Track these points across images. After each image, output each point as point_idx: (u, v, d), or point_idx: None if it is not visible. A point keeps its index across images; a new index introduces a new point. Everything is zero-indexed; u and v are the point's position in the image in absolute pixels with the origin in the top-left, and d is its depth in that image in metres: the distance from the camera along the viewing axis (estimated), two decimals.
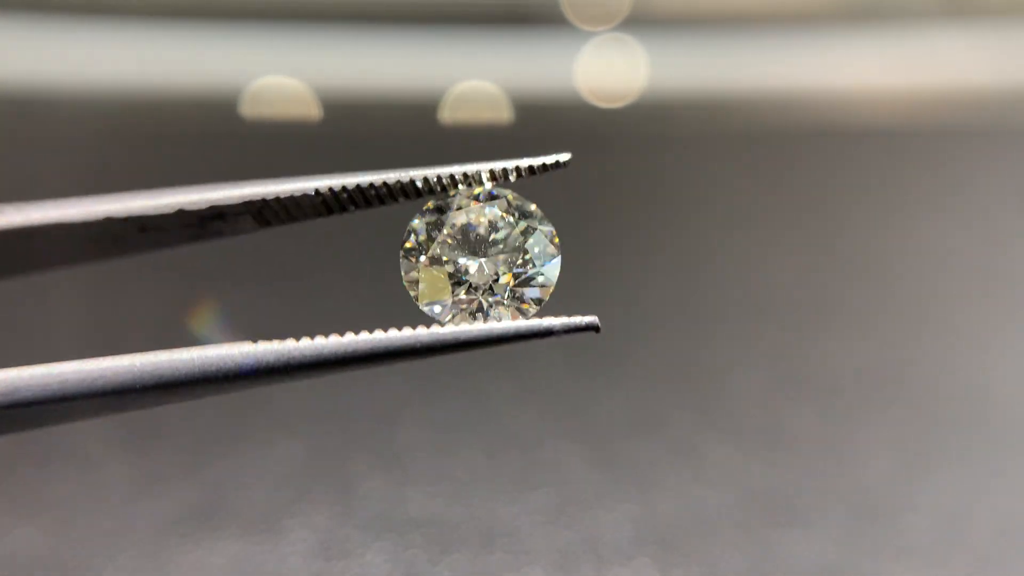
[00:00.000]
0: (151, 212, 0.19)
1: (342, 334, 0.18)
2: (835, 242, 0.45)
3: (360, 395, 0.34)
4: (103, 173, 0.49)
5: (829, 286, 0.42)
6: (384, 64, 0.57)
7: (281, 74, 0.56)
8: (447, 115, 0.55)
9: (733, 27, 0.60)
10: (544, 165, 0.19)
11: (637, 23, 0.59)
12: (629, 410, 0.34)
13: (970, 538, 0.30)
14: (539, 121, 0.55)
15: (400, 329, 0.18)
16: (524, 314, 0.19)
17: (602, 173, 0.51)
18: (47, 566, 0.28)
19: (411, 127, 0.53)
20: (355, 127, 0.54)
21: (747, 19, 0.60)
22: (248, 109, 0.55)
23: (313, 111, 0.55)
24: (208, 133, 0.53)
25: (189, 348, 0.18)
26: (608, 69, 0.59)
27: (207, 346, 0.18)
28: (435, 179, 0.19)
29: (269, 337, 0.18)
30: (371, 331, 0.18)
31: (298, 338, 0.18)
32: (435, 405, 0.34)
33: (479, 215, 0.19)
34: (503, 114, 0.55)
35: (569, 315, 0.18)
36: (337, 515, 0.29)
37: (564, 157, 0.19)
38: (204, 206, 0.19)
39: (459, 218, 0.19)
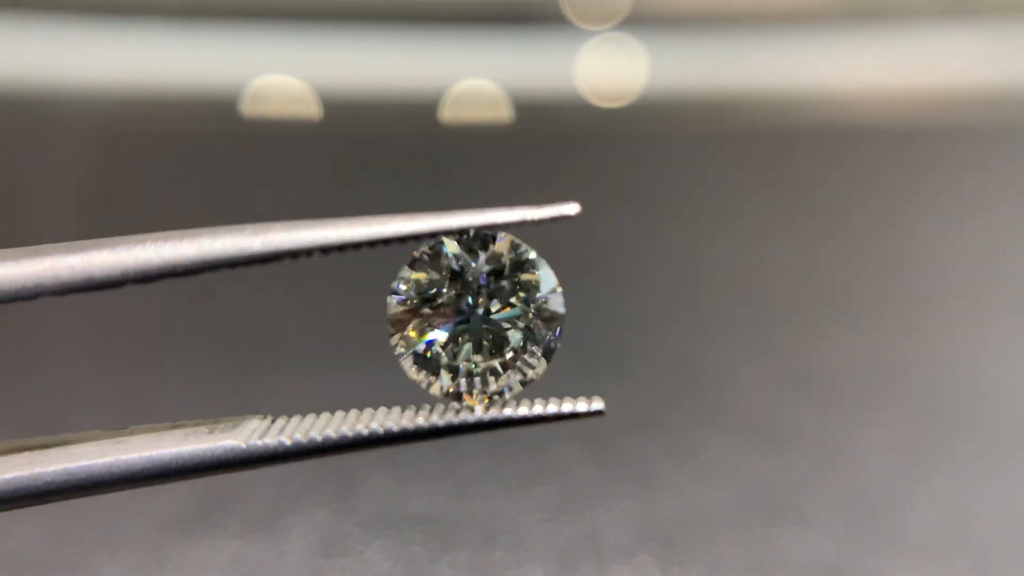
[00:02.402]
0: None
1: (335, 428, 0.17)
2: (835, 241, 0.45)
3: (360, 392, 0.34)
4: (103, 173, 0.49)
5: (830, 285, 0.42)
6: (384, 63, 0.57)
7: (281, 73, 0.56)
8: (447, 114, 0.55)
9: (733, 26, 0.60)
10: (550, 218, 0.17)
11: (637, 22, 0.59)
12: (629, 408, 0.34)
13: (971, 536, 0.30)
14: (539, 120, 0.55)
15: (401, 414, 0.17)
16: (520, 384, 0.18)
17: (602, 172, 0.51)
18: (47, 565, 0.28)
19: (411, 126, 0.54)
20: (355, 126, 0.54)
21: (747, 18, 0.60)
22: (248, 108, 0.55)
23: (313, 110, 0.55)
24: (208, 132, 0.53)
25: (175, 443, 0.18)
26: (608, 68, 0.59)
27: (193, 443, 0.18)
28: (424, 234, 0.17)
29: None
30: (372, 416, 0.17)
31: (284, 429, 0.18)
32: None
33: (473, 269, 0.17)
34: (503, 113, 0.55)
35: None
36: (337, 512, 0.29)
37: (571, 209, 0.18)
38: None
39: (450, 272, 0.17)
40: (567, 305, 0.18)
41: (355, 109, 0.55)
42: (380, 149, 0.52)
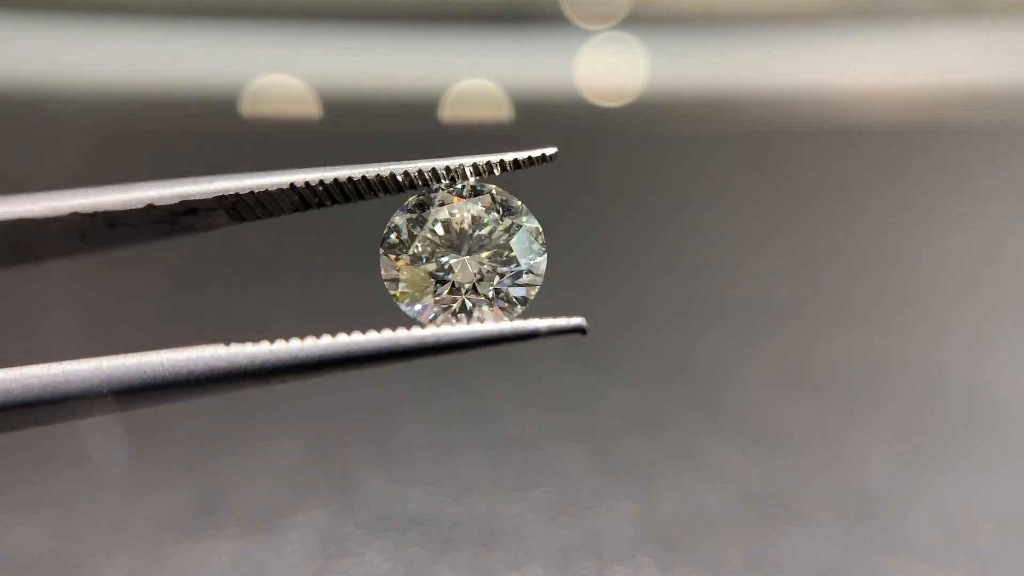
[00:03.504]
0: (119, 207, 0.18)
1: (319, 336, 0.17)
2: (835, 240, 0.45)
3: (360, 393, 0.34)
4: (103, 172, 0.49)
5: (829, 285, 0.42)
6: (384, 63, 0.57)
7: (281, 73, 0.56)
8: (447, 113, 0.55)
9: (732, 26, 0.60)
10: (529, 159, 0.19)
11: (637, 22, 0.59)
12: (629, 409, 0.34)
13: (969, 536, 0.30)
14: (539, 119, 0.55)
15: (379, 331, 0.17)
16: (509, 314, 0.19)
17: (602, 171, 0.51)
18: (47, 564, 0.28)
19: (411, 125, 0.53)
20: (355, 125, 0.54)
21: (746, 18, 0.60)
22: (248, 108, 0.55)
23: (313, 110, 0.55)
24: (208, 132, 0.53)
25: (159, 352, 0.17)
26: (608, 68, 0.59)
27: (178, 350, 0.17)
28: (416, 173, 0.18)
29: (244, 336, 0.17)
30: (349, 333, 0.17)
31: (272, 340, 0.17)
32: (435, 403, 0.34)
33: (462, 211, 0.18)
34: (503, 112, 0.55)
35: (562, 315, 0.18)
36: (337, 513, 0.29)
37: (550, 151, 0.19)
38: (175, 201, 0.18)
39: (441, 214, 0.18)
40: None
41: (355, 109, 0.55)
42: (380, 149, 0.52)
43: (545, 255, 0.19)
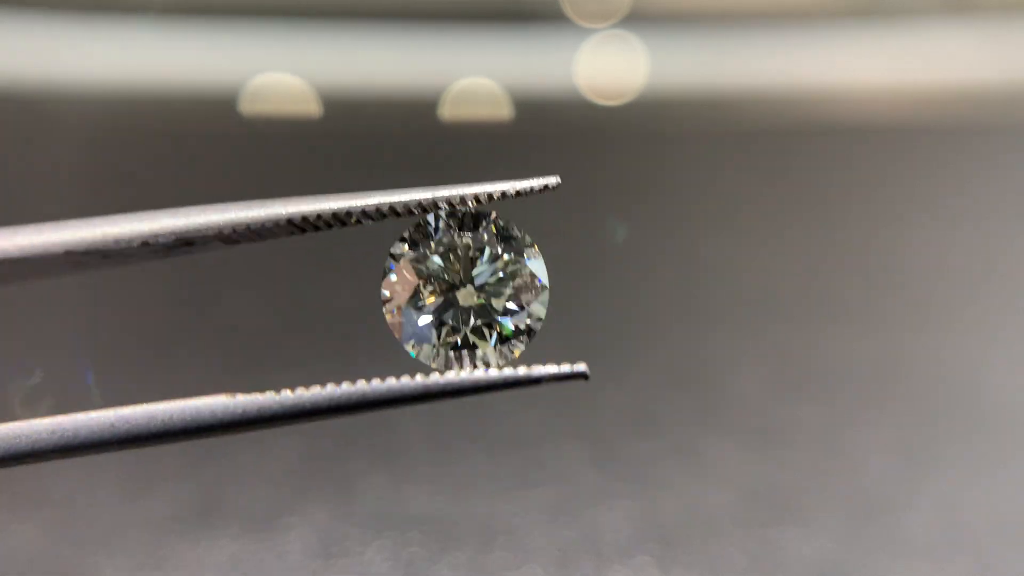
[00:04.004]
0: (113, 245, 0.19)
1: (323, 384, 0.17)
2: (835, 240, 0.45)
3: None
4: (103, 171, 0.49)
5: (829, 284, 0.42)
6: (384, 61, 0.57)
7: (281, 71, 0.56)
8: (447, 112, 0.55)
9: (733, 24, 0.60)
10: (531, 189, 0.18)
11: (637, 20, 0.59)
12: (629, 408, 0.34)
13: (970, 536, 0.30)
14: (539, 118, 0.55)
15: (383, 379, 0.17)
16: (509, 353, 0.18)
17: (602, 170, 0.51)
18: (46, 564, 0.28)
19: (411, 124, 0.53)
20: (355, 124, 0.54)
21: (747, 16, 0.60)
22: (247, 106, 0.55)
23: (313, 108, 0.55)
24: (207, 131, 0.53)
25: (167, 403, 0.18)
26: (608, 66, 0.59)
27: (186, 401, 0.17)
28: (416, 205, 0.18)
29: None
30: (353, 381, 0.17)
31: (278, 390, 0.17)
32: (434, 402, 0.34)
33: (461, 244, 0.18)
34: (503, 111, 0.55)
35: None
36: (336, 513, 0.29)
37: (553, 181, 0.18)
38: (170, 238, 0.18)
39: (440, 248, 0.18)
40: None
41: (355, 107, 0.55)
42: (380, 147, 0.52)
43: (546, 293, 0.18)
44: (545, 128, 0.54)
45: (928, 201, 0.48)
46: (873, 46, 0.60)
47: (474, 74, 0.56)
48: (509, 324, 0.18)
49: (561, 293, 0.19)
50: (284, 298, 0.39)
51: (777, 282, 0.42)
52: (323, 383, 0.17)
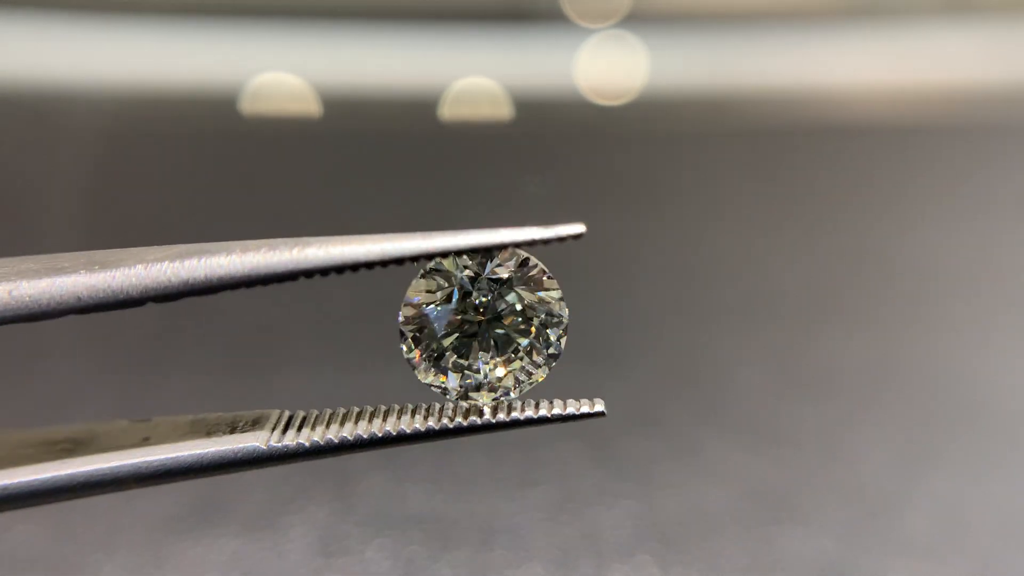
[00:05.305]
0: (116, 303, 0.19)
1: (355, 421, 0.18)
2: (835, 239, 0.45)
3: (359, 391, 0.34)
4: (103, 170, 0.49)
5: (829, 283, 0.42)
6: (384, 61, 0.57)
7: (281, 71, 0.56)
8: (447, 112, 0.55)
9: (732, 24, 0.60)
10: (559, 237, 0.18)
11: (637, 20, 0.59)
12: (629, 407, 0.34)
13: (969, 534, 0.30)
14: (539, 118, 0.55)
15: (413, 416, 0.18)
16: (527, 382, 0.18)
17: (602, 169, 0.51)
18: (46, 563, 0.28)
19: (411, 124, 0.53)
20: (355, 124, 0.54)
21: (746, 16, 0.60)
22: (248, 106, 0.55)
23: (313, 108, 0.55)
24: (208, 130, 0.53)
25: (191, 445, 0.18)
26: (608, 66, 0.59)
27: (219, 441, 0.18)
28: (437, 252, 0.18)
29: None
30: (384, 418, 0.18)
31: (302, 429, 0.19)
32: None
33: (479, 291, 0.18)
34: (503, 111, 0.55)
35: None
36: (337, 512, 0.29)
37: (578, 229, 0.18)
38: (176, 293, 0.19)
39: (457, 292, 0.18)
40: (567, 303, 0.18)
41: (355, 107, 0.55)
42: (380, 147, 0.52)
43: (567, 327, 0.18)
44: (545, 128, 0.54)
45: (928, 201, 0.48)
46: (873, 46, 0.60)
47: (474, 74, 0.56)
48: (530, 357, 0.18)
49: (562, 291, 0.19)
50: (284, 298, 0.39)
51: (777, 281, 0.42)
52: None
